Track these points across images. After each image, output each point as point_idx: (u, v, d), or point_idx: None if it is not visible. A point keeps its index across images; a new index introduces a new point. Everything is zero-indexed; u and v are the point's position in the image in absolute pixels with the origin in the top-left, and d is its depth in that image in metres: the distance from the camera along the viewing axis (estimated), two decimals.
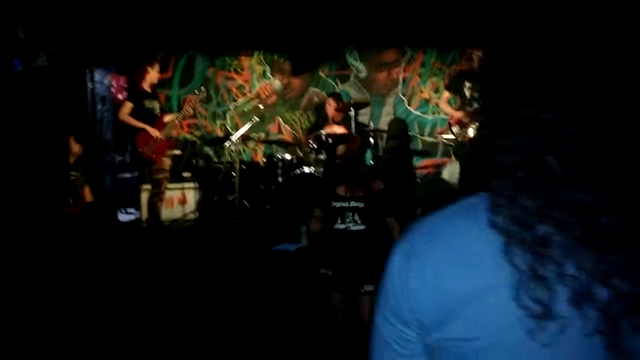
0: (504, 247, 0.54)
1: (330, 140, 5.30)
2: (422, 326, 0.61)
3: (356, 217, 2.64)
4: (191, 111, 5.48)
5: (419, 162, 6.68)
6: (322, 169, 5.19)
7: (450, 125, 5.15)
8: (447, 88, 5.18)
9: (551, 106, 0.52)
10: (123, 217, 6.27)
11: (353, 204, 2.64)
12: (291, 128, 6.89)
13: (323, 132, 5.42)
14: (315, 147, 5.32)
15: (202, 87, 5.58)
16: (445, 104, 5.13)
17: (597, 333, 0.51)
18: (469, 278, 0.57)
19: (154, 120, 5.18)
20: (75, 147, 5.38)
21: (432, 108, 6.89)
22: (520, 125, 0.54)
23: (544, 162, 0.52)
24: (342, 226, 2.64)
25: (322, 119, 6.12)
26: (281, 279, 3.99)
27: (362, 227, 2.63)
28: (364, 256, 2.59)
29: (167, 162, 5.35)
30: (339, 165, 2.86)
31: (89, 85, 6.32)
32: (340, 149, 3.08)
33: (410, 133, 6.77)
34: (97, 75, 6.51)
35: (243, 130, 5.73)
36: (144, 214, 5.56)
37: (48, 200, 4.49)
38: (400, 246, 0.65)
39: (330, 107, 5.90)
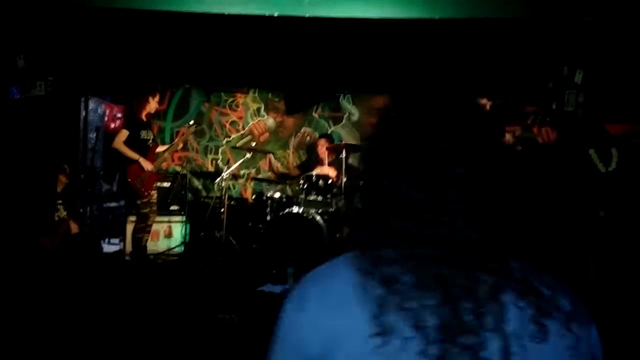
0: (366, 282, 0.69)
1: (321, 182, 5.36)
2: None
3: None
4: (181, 144, 5.52)
5: None
6: (311, 210, 5.21)
7: None
8: None
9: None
10: (107, 247, 6.19)
11: None
12: (282, 166, 6.94)
13: (314, 174, 5.48)
14: (305, 187, 5.36)
15: (192, 122, 5.64)
16: None
17: (425, 353, 0.65)
18: (342, 310, 0.70)
19: (147, 151, 5.19)
20: (64, 176, 5.34)
21: None
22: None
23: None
24: None
25: (313, 159, 6.19)
26: (264, 322, 3.93)
27: None
28: None
29: (154, 195, 5.33)
30: None
31: (83, 113, 6.34)
32: None
33: None
34: (92, 104, 6.54)
35: (235, 166, 5.77)
36: (128, 246, 5.50)
37: (26, 229, 4.43)
38: (292, 294, 0.78)
39: (322, 147, 5.98)
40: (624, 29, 3.98)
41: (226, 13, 4.08)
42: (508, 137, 4.70)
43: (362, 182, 0.79)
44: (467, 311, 0.66)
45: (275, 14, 4.13)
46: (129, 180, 5.06)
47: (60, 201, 5.24)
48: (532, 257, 0.73)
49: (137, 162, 5.04)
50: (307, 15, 4.06)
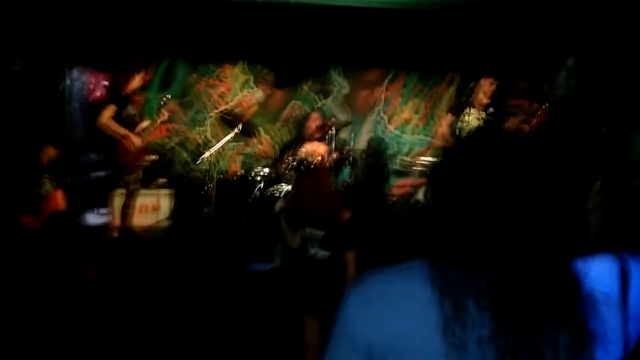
0: (438, 298, 0.77)
1: (309, 160, 5.33)
2: (371, 356, 0.80)
3: (320, 245, 2.75)
4: (166, 115, 5.41)
5: (395, 182, 6.75)
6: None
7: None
8: (450, 112, 5.22)
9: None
10: (94, 219, 6.14)
11: (315, 232, 2.75)
12: (271, 139, 6.87)
13: (302, 150, 5.44)
14: (294, 165, 5.33)
15: (168, 96, 5.53)
16: (446, 128, 5.15)
17: None
18: (411, 319, 0.78)
19: (134, 127, 5.10)
20: (51, 150, 5.22)
21: (412, 129, 6.97)
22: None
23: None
24: (312, 252, 2.75)
25: (302, 134, 6.13)
26: (250, 301, 3.98)
27: (327, 254, 2.73)
28: (329, 283, 2.67)
29: (141, 171, 5.29)
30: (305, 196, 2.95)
31: (66, 83, 6.17)
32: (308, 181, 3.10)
33: (388, 152, 6.83)
34: (75, 73, 6.35)
35: (224, 141, 5.70)
36: (115, 221, 5.47)
37: (8, 206, 4.38)
38: (358, 291, 0.85)
39: (313, 122, 5.92)
40: (618, 14, 3.92)
41: None
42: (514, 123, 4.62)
43: (436, 202, 0.87)
44: (526, 331, 0.76)
45: None
46: (120, 157, 4.99)
47: (46, 175, 5.16)
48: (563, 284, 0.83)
49: (125, 138, 4.95)
50: None
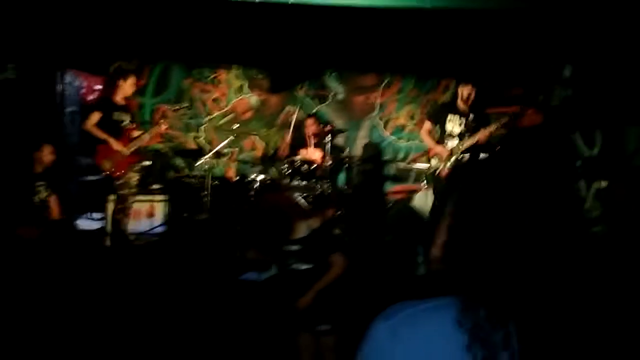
0: (469, 343, 0.75)
1: (305, 167, 5.32)
2: None
3: (298, 258, 2.73)
4: (164, 127, 5.37)
5: (390, 187, 6.75)
6: (296, 194, 5.18)
7: (428, 157, 5.15)
8: (429, 119, 5.15)
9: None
10: (87, 223, 6.08)
11: (293, 247, 2.74)
12: (266, 145, 6.84)
13: (298, 157, 5.43)
14: (289, 172, 5.31)
15: (185, 103, 5.51)
16: (426, 135, 5.08)
17: None
18: None
19: (121, 132, 5.04)
20: (46, 156, 5.14)
21: (407, 134, 6.97)
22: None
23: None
24: (294, 266, 2.75)
25: (298, 140, 6.12)
26: (245, 311, 3.95)
27: (308, 266, 2.71)
28: (315, 295, 2.65)
29: (134, 177, 5.24)
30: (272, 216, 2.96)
31: (59, 88, 6.11)
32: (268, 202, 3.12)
33: (383, 158, 6.83)
34: (68, 77, 6.30)
35: (219, 147, 5.67)
36: (109, 226, 5.43)
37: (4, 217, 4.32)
38: (385, 326, 0.81)
39: (309, 128, 5.90)
40: (615, 27, 3.94)
41: None
42: (493, 128, 4.60)
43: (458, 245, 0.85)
44: None
45: None
46: (99, 161, 4.96)
47: (41, 182, 5.09)
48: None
49: (106, 142, 4.91)
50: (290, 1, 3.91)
